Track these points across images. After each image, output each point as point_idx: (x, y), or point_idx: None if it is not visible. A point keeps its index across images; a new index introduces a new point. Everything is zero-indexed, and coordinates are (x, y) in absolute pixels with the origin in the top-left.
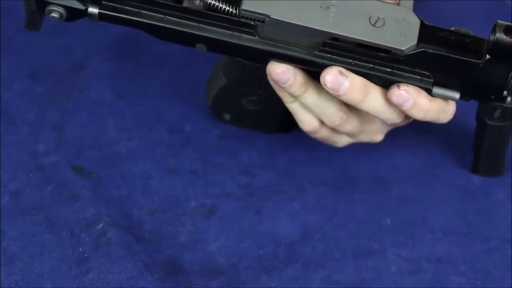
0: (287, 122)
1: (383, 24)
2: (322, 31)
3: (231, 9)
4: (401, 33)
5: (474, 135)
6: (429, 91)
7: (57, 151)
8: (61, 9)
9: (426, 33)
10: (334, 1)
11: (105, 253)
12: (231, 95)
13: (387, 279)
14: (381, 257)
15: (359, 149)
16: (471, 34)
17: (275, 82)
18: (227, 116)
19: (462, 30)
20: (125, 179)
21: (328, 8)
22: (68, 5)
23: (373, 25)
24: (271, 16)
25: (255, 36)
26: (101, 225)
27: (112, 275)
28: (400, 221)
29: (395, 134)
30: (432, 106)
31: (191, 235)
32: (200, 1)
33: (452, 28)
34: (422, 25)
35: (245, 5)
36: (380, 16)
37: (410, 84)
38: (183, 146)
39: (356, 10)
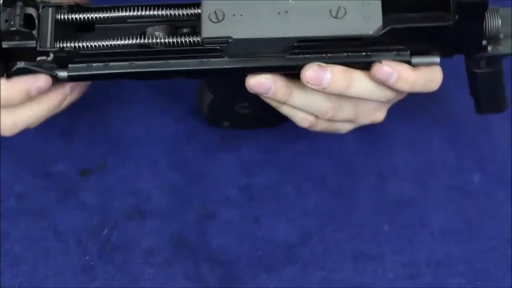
0: None
1: (345, 13)
2: (287, 37)
3: (193, 39)
4: (364, 17)
5: (468, 82)
6: (408, 63)
7: (65, 151)
8: None
9: (390, 6)
10: (291, 1)
11: (109, 261)
12: (223, 107)
13: (386, 281)
14: (379, 262)
15: (360, 145)
16: None
17: (258, 93)
18: (226, 123)
19: None
20: (131, 167)
21: (286, 12)
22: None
23: (335, 17)
24: (234, 37)
25: (224, 57)
26: (105, 231)
27: (117, 282)
28: (399, 222)
29: (395, 132)
30: (418, 77)
31: (195, 228)
32: (160, 39)
33: None
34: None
35: (205, 33)
36: (340, 5)
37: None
38: (187, 139)
39: (315, 6)
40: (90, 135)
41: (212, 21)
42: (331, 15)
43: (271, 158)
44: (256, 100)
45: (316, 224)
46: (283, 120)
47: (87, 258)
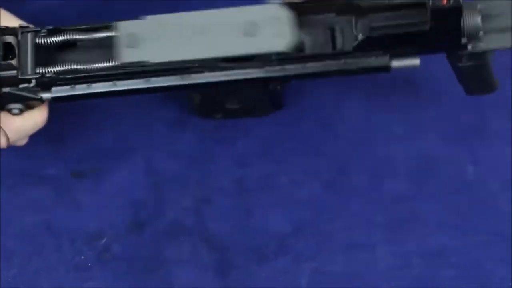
0: (276, 101)
1: (257, 30)
2: (203, 59)
3: None
4: (275, 34)
5: (453, 71)
6: (388, 68)
7: (57, 154)
8: (19, 105)
9: (364, 15)
10: (205, 22)
11: (107, 268)
12: (212, 105)
13: (377, 272)
14: (371, 250)
15: (354, 136)
16: None
17: None
18: (218, 115)
19: None
20: (126, 166)
21: (201, 32)
22: (24, 99)
23: (248, 35)
24: (151, 61)
25: (204, 72)
26: (104, 240)
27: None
28: (392, 213)
29: (389, 125)
30: None
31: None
32: None
33: None
34: (359, 7)
35: (123, 58)
36: (252, 23)
37: (367, 66)
38: (183, 132)
39: (228, 25)
40: (81, 138)
41: (127, 46)
42: (244, 33)
43: (264, 150)
44: (245, 97)
45: (308, 215)
46: (274, 109)
47: (82, 257)
